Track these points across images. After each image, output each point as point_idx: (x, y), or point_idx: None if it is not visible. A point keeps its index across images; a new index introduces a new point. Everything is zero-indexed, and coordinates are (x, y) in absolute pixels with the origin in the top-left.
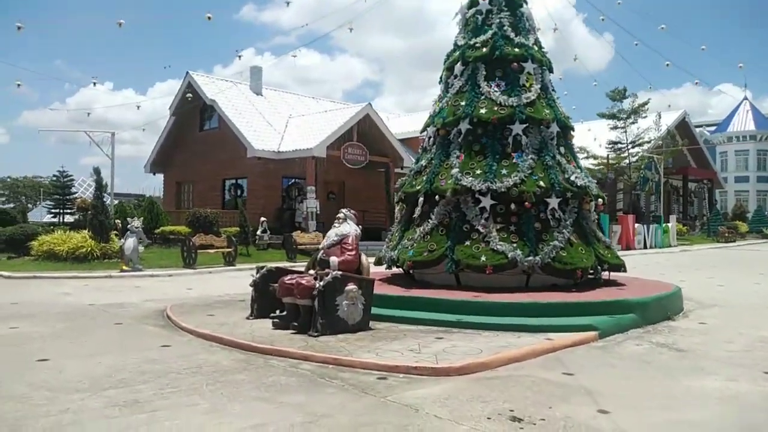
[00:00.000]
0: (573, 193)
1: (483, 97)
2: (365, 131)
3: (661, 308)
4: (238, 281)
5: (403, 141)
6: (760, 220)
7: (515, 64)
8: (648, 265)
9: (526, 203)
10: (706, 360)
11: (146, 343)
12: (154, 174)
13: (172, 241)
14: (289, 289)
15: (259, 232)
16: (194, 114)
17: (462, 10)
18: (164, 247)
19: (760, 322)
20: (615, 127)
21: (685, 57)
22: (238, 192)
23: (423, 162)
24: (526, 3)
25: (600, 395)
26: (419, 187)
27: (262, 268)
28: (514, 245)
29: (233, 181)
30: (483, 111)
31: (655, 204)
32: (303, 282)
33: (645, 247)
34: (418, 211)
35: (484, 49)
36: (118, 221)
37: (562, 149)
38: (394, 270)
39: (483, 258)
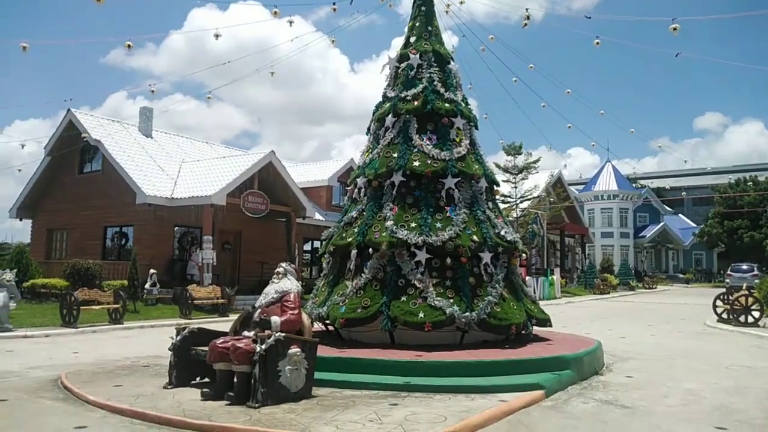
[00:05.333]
0: (504, 248)
1: (416, 150)
2: (267, 179)
3: (591, 363)
4: (131, 342)
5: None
6: (626, 273)
7: (446, 119)
8: None
9: (462, 258)
10: (655, 417)
11: (52, 424)
12: (21, 220)
13: (44, 296)
14: (222, 353)
15: (147, 286)
16: (73, 155)
17: (392, 62)
18: (34, 302)
19: (678, 374)
20: (506, 181)
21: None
22: (123, 241)
23: (353, 213)
24: (453, 60)
25: None
26: (351, 239)
27: (184, 329)
28: (451, 301)
29: (117, 230)
30: (416, 164)
31: (536, 258)
32: (241, 345)
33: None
34: (350, 264)
35: (416, 103)
36: None
37: (490, 204)
38: (316, 327)
39: (421, 314)
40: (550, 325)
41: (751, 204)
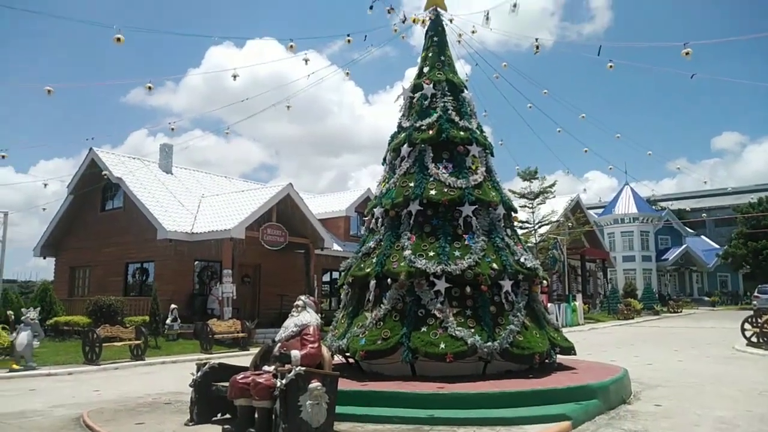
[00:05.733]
0: (524, 276)
1: (432, 179)
2: (285, 211)
3: (618, 392)
4: (152, 378)
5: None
6: (650, 298)
7: (461, 147)
8: None
9: (483, 286)
10: None
11: None
12: (45, 258)
13: (67, 333)
14: (243, 389)
15: (168, 321)
16: (95, 193)
17: (405, 93)
18: (57, 340)
19: (708, 401)
20: (524, 206)
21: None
22: (144, 277)
23: (371, 244)
24: (467, 88)
25: None
26: (369, 270)
27: (204, 365)
28: (472, 330)
29: (138, 266)
30: (433, 192)
31: (557, 284)
32: (261, 381)
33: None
34: (369, 295)
35: (431, 132)
36: (10, 312)
37: (509, 231)
38: (336, 359)
39: (442, 345)
40: (575, 353)
41: None
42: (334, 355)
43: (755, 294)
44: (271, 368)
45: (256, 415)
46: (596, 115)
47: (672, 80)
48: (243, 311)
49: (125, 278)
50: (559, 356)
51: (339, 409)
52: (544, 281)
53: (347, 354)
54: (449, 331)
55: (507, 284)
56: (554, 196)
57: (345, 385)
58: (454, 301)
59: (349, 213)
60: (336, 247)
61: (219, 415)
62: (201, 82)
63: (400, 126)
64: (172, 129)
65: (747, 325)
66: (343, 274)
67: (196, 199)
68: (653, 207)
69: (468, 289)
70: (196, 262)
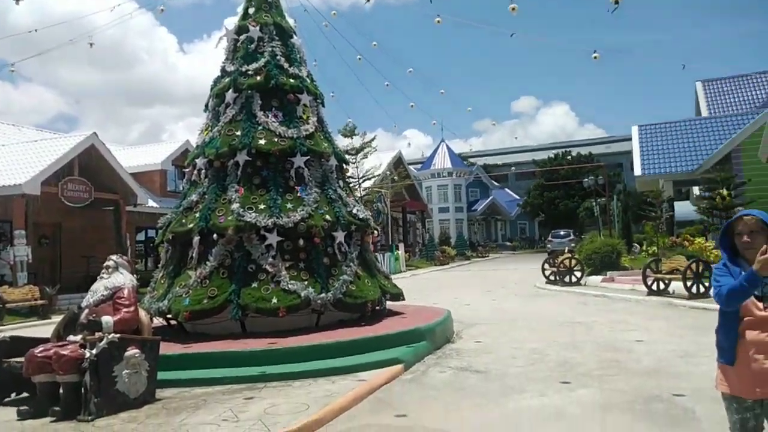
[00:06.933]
0: (357, 226)
1: (261, 128)
2: (89, 164)
3: (443, 333)
4: None
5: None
6: (462, 245)
7: (292, 95)
8: None
9: (316, 238)
10: (508, 379)
11: None
12: None
13: None
14: (43, 363)
15: None
16: None
17: (229, 34)
18: None
19: (520, 334)
20: (347, 162)
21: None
22: None
23: (193, 197)
24: (296, 35)
25: None
26: (192, 225)
27: None
28: (306, 283)
29: None
30: (262, 142)
31: (381, 235)
32: (65, 353)
33: None
34: (193, 252)
35: (259, 77)
36: None
37: (341, 183)
38: (155, 323)
39: (274, 300)
40: (403, 299)
41: (565, 177)
42: (154, 318)
43: (549, 238)
44: (78, 338)
45: (61, 391)
46: (420, 71)
47: (489, 43)
48: (42, 276)
49: None
50: (389, 302)
51: (162, 375)
52: (375, 231)
53: (169, 316)
54: (282, 285)
55: (340, 235)
56: (375, 150)
57: (167, 349)
58: (286, 255)
59: (166, 166)
60: (151, 203)
61: (13, 395)
62: None
63: (223, 70)
64: None
65: (546, 266)
66: (161, 230)
67: None
68: (465, 162)
69: (301, 241)
70: None
